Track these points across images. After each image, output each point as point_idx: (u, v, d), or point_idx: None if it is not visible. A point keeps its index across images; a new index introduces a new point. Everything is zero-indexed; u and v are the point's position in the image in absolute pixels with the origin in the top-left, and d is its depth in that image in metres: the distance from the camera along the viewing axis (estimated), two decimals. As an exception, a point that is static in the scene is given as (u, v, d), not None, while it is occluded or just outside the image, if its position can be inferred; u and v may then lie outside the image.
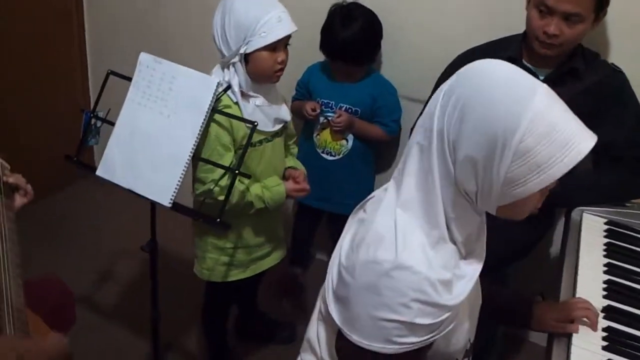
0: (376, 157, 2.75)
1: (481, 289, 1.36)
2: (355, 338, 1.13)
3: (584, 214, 1.96)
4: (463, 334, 1.26)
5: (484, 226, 1.22)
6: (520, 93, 1.00)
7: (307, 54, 2.55)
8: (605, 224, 1.92)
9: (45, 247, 3.07)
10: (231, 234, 2.11)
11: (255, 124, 1.79)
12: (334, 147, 2.62)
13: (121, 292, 2.90)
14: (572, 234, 1.89)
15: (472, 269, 1.17)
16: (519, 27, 2.06)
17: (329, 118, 2.55)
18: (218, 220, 1.79)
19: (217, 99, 1.86)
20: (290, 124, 2.22)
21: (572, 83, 1.98)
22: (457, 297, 1.12)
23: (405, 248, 1.08)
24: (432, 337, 1.12)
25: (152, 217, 2.05)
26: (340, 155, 2.62)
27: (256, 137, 1.99)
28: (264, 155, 2.07)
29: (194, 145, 1.80)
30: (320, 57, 2.61)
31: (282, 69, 1.97)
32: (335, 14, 2.48)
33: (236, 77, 1.94)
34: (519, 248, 2.18)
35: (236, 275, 2.20)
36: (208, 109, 1.78)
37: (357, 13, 2.45)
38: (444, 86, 1.09)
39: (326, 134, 2.61)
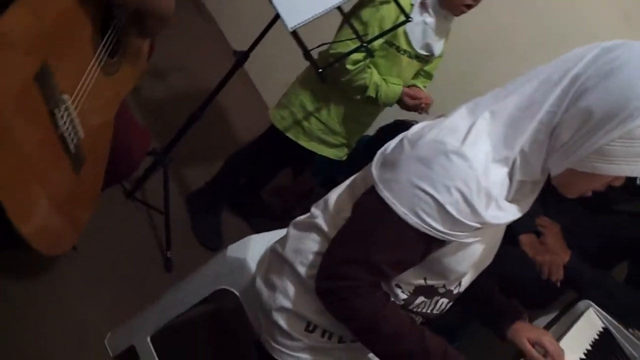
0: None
1: (485, 282, 1.40)
2: (386, 194, 1.16)
3: (590, 309, 1.96)
4: (467, 267, 1.29)
5: (537, 190, 1.23)
6: None
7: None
8: (603, 329, 1.90)
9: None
10: (324, 106, 2.24)
11: (410, 19, 1.87)
12: None
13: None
14: (568, 317, 1.91)
15: (509, 213, 1.17)
16: None
17: None
18: (320, 70, 1.91)
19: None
20: (436, 62, 2.30)
21: None
22: (490, 218, 1.13)
23: (473, 145, 1.12)
24: (449, 236, 1.14)
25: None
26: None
27: (402, 43, 2.09)
28: (398, 65, 2.16)
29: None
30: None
31: (469, 6, 2.05)
32: None
33: None
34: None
35: (299, 138, 2.32)
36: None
37: None
38: (606, 43, 1.08)
39: None
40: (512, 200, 1.18)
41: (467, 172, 1.10)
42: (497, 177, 1.14)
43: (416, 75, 2.34)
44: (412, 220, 1.13)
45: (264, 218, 2.88)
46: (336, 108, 2.25)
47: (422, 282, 1.30)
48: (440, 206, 1.11)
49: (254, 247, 1.67)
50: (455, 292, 1.37)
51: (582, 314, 1.93)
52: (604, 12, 2.53)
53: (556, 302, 2.36)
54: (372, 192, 1.20)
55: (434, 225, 1.13)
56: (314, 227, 1.37)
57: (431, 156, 1.12)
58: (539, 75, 1.13)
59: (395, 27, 1.91)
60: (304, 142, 2.33)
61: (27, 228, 1.05)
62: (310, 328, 1.36)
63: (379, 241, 1.18)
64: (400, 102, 2.25)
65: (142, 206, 2.52)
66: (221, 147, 3.00)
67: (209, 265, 1.76)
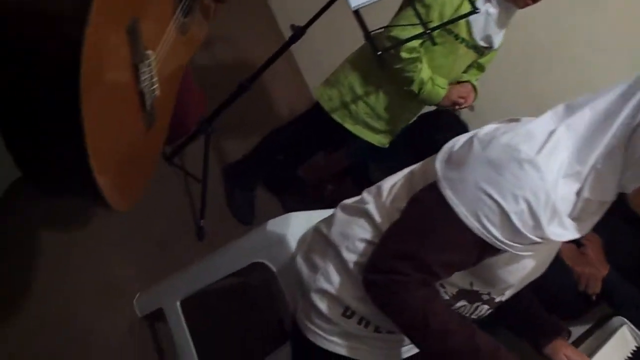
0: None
1: (528, 293, 1.38)
2: (448, 193, 1.13)
3: (624, 327, 1.91)
4: (516, 279, 1.26)
5: (601, 211, 1.19)
6: None
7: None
8: (636, 348, 1.86)
9: None
10: (372, 90, 2.20)
11: (478, 10, 1.82)
12: None
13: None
14: (602, 332, 1.88)
15: (569, 232, 1.13)
16: None
17: None
18: (379, 53, 1.87)
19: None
20: (492, 55, 2.25)
21: None
22: (550, 233, 1.10)
23: (548, 156, 1.09)
24: (505, 245, 1.11)
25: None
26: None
27: (462, 32, 2.04)
28: (454, 54, 2.11)
29: None
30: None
31: (535, 1, 1.99)
32: None
33: None
34: None
35: (345, 121, 2.28)
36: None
37: None
38: None
39: None
40: (575, 218, 1.15)
41: (537, 184, 1.07)
42: (566, 193, 1.11)
43: (468, 67, 2.28)
44: (472, 223, 1.10)
45: (295, 196, 2.86)
46: (385, 93, 2.21)
47: (467, 286, 1.28)
48: (504, 214, 1.08)
49: (295, 223, 1.65)
50: (497, 300, 1.34)
51: (615, 330, 1.88)
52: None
53: (589, 314, 2.33)
54: (433, 188, 1.17)
55: (494, 232, 1.10)
56: (364, 214, 1.34)
57: (503, 161, 1.09)
58: (616, 89, 1.10)
59: (461, 17, 1.86)
60: (350, 125, 2.29)
61: (104, 179, 1.04)
62: (348, 314, 1.33)
63: (435, 240, 1.15)
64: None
65: (179, 172, 2.51)
66: (261, 121, 2.98)
67: (248, 237, 1.75)
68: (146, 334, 2.03)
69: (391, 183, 1.35)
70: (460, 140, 1.22)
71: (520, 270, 1.23)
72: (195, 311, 1.92)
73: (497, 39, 2.14)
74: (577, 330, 2.32)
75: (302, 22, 2.14)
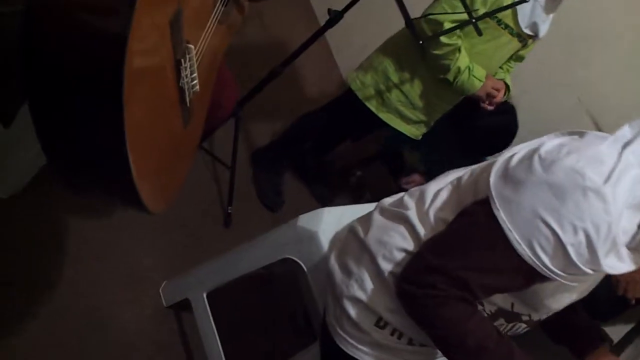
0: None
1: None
2: (502, 215, 1.05)
3: None
4: (562, 305, 1.22)
5: None
6: None
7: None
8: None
9: None
10: (407, 77, 2.11)
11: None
12: None
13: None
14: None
15: (626, 264, 1.07)
16: None
17: None
18: (421, 42, 1.78)
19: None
20: (530, 46, 2.14)
21: None
22: (606, 267, 1.04)
23: (615, 185, 1.01)
24: (556, 275, 1.05)
25: None
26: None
27: (506, 17, 1.93)
28: (496, 41, 2.01)
29: None
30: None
31: None
32: None
33: None
34: None
35: (377, 109, 2.20)
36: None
37: None
38: None
39: None
40: (633, 248, 1.08)
41: (601, 216, 1.00)
42: (627, 225, 1.04)
43: (509, 59, 2.18)
44: (524, 251, 1.04)
45: (324, 183, 2.80)
46: (420, 80, 2.12)
47: (508, 307, 1.22)
48: (560, 244, 1.02)
49: (327, 220, 1.59)
50: (536, 320, 1.28)
51: None
52: None
53: (626, 315, 2.26)
54: (484, 204, 1.10)
55: (546, 262, 1.04)
56: (404, 220, 1.27)
57: (566, 187, 1.01)
58: None
59: (510, 6, 1.76)
60: (383, 114, 2.22)
61: (143, 183, 0.98)
62: (381, 324, 1.27)
63: (480, 263, 1.09)
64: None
65: (207, 157, 2.46)
66: (291, 105, 2.91)
67: (278, 232, 1.69)
68: (171, 324, 2.00)
69: (436, 189, 1.28)
70: (519, 152, 1.13)
71: (566, 297, 1.19)
72: (221, 301, 1.88)
73: (544, 27, 2.03)
74: (616, 333, 2.26)
75: (337, 6, 2.05)
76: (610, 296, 2.04)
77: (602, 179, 1.01)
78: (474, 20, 1.70)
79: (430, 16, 1.90)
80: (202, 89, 1.19)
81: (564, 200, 1.01)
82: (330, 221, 1.58)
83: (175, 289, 1.96)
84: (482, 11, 1.89)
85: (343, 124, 2.49)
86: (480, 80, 2.03)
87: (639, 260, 1.09)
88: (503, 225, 1.05)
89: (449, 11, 1.88)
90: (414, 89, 2.13)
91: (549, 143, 1.11)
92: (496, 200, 1.07)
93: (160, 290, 1.99)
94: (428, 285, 1.11)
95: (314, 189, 2.78)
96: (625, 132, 1.09)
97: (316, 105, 2.56)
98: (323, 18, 2.06)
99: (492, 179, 1.10)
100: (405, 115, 2.20)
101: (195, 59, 1.11)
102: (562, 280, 1.06)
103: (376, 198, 1.47)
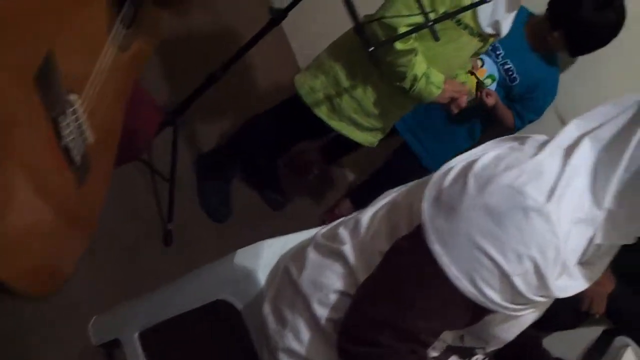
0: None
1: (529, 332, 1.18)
2: (437, 248, 0.92)
3: (629, 349, 1.77)
4: (515, 334, 1.11)
5: (614, 251, 1.02)
6: None
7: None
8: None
9: None
10: (360, 83, 1.92)
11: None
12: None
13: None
14: (606, 358, 1.79)
15: (579, 282, 0.97)
16: None
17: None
18: (371, 49, 1.58)
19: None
20: (489, 43, 1.97)
21: None
22: (557, 290, 0.93)
23: (560, 201, 0.88)
24: (505, 309, 0.94)
25: None
26: (466, 92, 2.18)
27: (465, 17, 1.75)
28: (456, 42, 1.83)
29: None
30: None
31: None
32: None
33: None
34: None
35: (328, 116, 2.00)
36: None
37: (619, 5, 2.08)
38: None
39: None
40: (585, 262, 0.96)
41: (547, 239, 0.88)
42: (577, 242, 0.92)
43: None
44: (466, 287, 0.91)
45: (276, 190, 2.61)
46: (374, 87, 1.93)
47: (458, 342, 1.11)
48: (505, 276, 0.89)
49: (267, 255, 1.41)
50: (492, 350, 1.17)
51: (619, 353, 1.75)
52: None
53: (586, 330, 2.19)
54: (417, 237, 0.95)
55: (492, 297, 0.91)
56: (339, 256, 1.11)
57: (505, 210, 0.88)
58: (619, 116, 0.92)
59: (470, 7, 1.58)
60: (334, 122, 2.02)
61: (9, 272, 0.77)
62: None
63: (424, 308, 0.96)
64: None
65: (146, 167, 2.25)
66: (243, 102, 2.69)
67: (212, 268, 1.51)
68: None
69: (371, 213, 1.13)
70: (454, 168, 0.99)
71: (519, 326, 1.08)
72: (157, 339, 1.69)
73: (506, 24, 1.85)
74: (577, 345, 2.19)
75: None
76: (574, 311, 2.00)
77: (544, 196, 0.89)
78: (430, 24, 1.50)
79: (385, 20, 1.70)
80: (102, 135, 0.99)
81: (504, 225, 0.88)
82: (271, 256, 1.41)
83: (105, 327, 1.76)
84: (442, 11, 1.71)
85: (294, 129, 2.29)
86: (438, 87, 1.85)
87: (593, 275, 0.99)
88: (439, 261, 0.92)
89: (405, 13, 1.68)
90: (368, 96, 1.94)
91: (485, 156, 0.98)
92: (430, 231, 0.94)
93: (90, 326, 1.80)
94: (371, 343, 0.98)
95: (266, 195, 2.60)
96: (571, 132, 0.97)
97: (270, 100, 2.35)
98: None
99: (424, 205, 0.97)
100: (359, 122, 2.01)
101: (82, 111, 0.89)
102: (512, 313, 0.96)
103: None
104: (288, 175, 2.78)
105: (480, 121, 2.41)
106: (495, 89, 2.26)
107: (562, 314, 1.99)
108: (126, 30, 1.02)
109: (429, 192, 0.98)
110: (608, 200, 0.89)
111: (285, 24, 3.41)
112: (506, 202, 0.88)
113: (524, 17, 2.26)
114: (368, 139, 2.08)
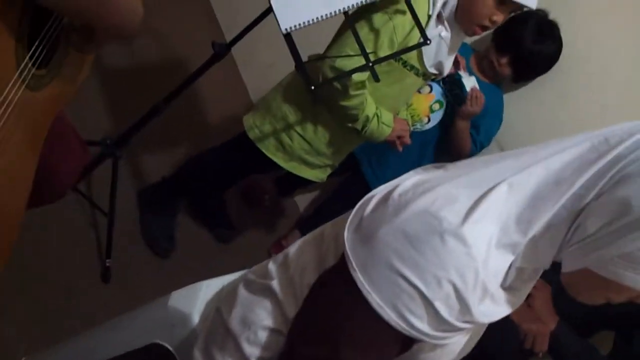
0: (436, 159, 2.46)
1: None
2: (359, 277, 0.90)
3: None
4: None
5: (537, 275, 1.02)
6: None
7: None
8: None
9: None
10: (310, 123, 1.91)
11: (429, 42, 1.54)
12: (414, 116, 2.24)
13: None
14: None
15: (503, 307, 0.96)
16: None
17: (459, 92, 2.17)
18: (313, 87, 1.57)
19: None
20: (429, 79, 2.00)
21: None
22: (480, 315, 0.91)
23: (476, 223, 0.87)
24: (431, 338, 0.92)
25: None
26: (412, 129, 2.19)
27: (411, 59, 1.77)
28: (401, 82, 1.84)
29: (359, 4, 1.52)
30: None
31: (486, 28, 1.75)
32: (533, 17, 2.15)
33: None
34: None
35: (277, 157, 1.98)
36: (406, -14, 1.53)
37: (557, 35, 2.19)
38: None
39: (416, 99, 2.22)
40: (508, 287, 0.96)
41: (464, 262, 0.86)
42: (499, 266, 0.91)
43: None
44: (391, 317, 0.89)
45: (224, 224, 2.56)
46: (324, 126, 1.92)
47: None
48: (427, 302, 0.88)
49: (204, 297, 1.36)
50: None
51: None
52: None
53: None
54: (341, 268, 0.93)
55: (418, 326, 0.89)
56: (268, 292, 1.08)
57: (421, 234, 0.87)
58: (573, 148, 0.90)
59: (410, 49, 1.59)
60: (283, 162, 2.00)
61: None
62: None
63: (349, 340, 0.93)
64: None
65: (85, 200, 2.17)
66: (193, 137, 2.64)
67: (146, 310, 1.45)
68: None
69: (298, 246, 1.10)
70: (376, 196, 0.98)
71: (447, 354, 1.04)
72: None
73: (448, 64, 1.88)
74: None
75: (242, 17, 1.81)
76: (517, 349, 1.99)
77: (459, 219, 0.87)
78: (370, 65, 1.50)
79: (336, 64, 1.69)
80: (7, 175, 0.93)
81: (422, 250, 0.87)
82: (208, 297, 1.36)
83: (33, 371, 1.67)
84: (385, 54, 1.71)
85: (242, 166, 2.26)
86: (389, 126, 1.86)
87: (517, 300, 0.98)
88: (362, 290, 0.89)
89: (351, 52, 1.68)
90: (319, 137, 1.93)
91: (405, 183, 0.98)
92: (352, 260, 0.91)
93: (16, 372, 1.71)
94: None
95: (213, 228, 2.54)
96: (498, 160, 0.96)
97: (220, 130, 2.32)
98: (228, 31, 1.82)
99: (346, 234, 0.95)
100: (310, 162, 2.00)
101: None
102: (438, 341, 0.94)
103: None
104: (239, 205, 2.74)
105: (432, 147, 2.43)
106: (442, 116, 2.28)
107: (506, 351, 2.00)
108: (36, 70, 0.98)
109: (351, 221, 0.97)
110: (535, 230, 0.89)
111: (237, 54, 3.44)
112: (422, 227, 0.88)
113: (468, 51, 2.33)
114: (318, 175, 2.07)
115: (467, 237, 0.86)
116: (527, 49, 2.15)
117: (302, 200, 3.04)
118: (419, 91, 2.23)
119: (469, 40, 2.35)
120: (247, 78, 3.40)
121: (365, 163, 2.43)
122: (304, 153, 1.96)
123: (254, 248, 2.68)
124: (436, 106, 2.26)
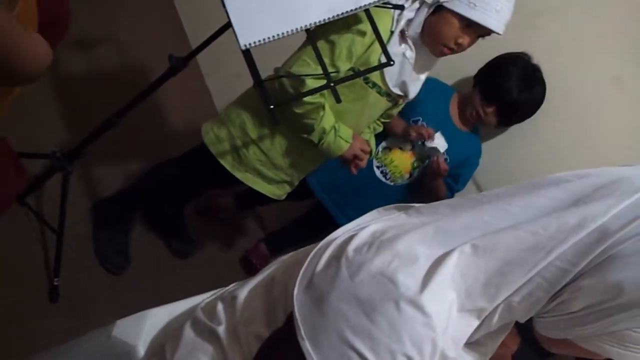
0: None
1: None
2: (307, 346, 0.83)
3: None
4: None
5: (505, 333, 0.96)
6: None
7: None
8: None
9: None
10: (267, 134, 1.85)
11: (392, 62, 1.49)
12: (396, 173, 2.23)
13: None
14: None
15: None
16: None
17: (432, 152, 2.15)
18: (272, 107, 1.51)
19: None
20: (400, 106, 1.95)
21: None
22: None
23: (438, 290, 0.81)
24: None
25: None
26: (392, 184, 2.24)
27: (373, 75, 1.73)
28: (363, 100, 1.80)
29: (320, 21, 1.47)
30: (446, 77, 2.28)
31: (452, 51, 1.71)
32: (516, 65, 2.12)
33: (414, 14, 1.68)
34: None
35: (232, 167, 1.92)
36: (368, 4, 1.48)
37: (541, 78, 2.15)
38: None
39: (398, 156, 2.21)
40: (475, 342, 0.91)
41: (421, 332, 0.80)
42: (460, 333, 0.85)
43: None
44: None
45: (182, 238, 2.48)
46: (282, 138, 1.86)
47: None
48: None
49: (151, 327, 1.29)
50: None
51: None
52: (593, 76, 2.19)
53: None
54: (290, 330, 0.86)
55: None
56: (214, 337, 1.01)
57: (376, 300, 0.81)
58: (547, 204, 0.83)
59: (372, 70, 1.55)
60: (238, 173, 1.93)
61: None
62: None
63: None
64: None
65: (33, 215, 2.07)
66: (152, 150, 2.55)
67: (90, 340, 1.37)
68: None
69: (248, 289, 1.03)
70: (330, 248, 0.91)
71: None
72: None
73: (414, 87, 1.83)
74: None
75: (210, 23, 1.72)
76: None
77: (417, 283, 0.81)
78: (332, 85, 1.45)
79: (292, 69, 1.65)
80: None
81: (376, 320, 0.81)
82: (155, 328, 1.29)
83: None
84: (346, 67, 1.67)
85: (200, 178, 2.18)
86: (347, 142, 1.81)
87: (487, 351, 0.95)
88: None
89: (312, 65, 1.63)
90: (275, 148, 1.87)
91: (362, 233, 0.90)
92: (300, 324, 0.85)
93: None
94: None
95: (171, 244, 2.46)
96: (458, 218, 0.90)
97: (183, 142, 2.23)
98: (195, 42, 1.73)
99: (296, 291, 0.88)
100: (266, 175, 1.93)
101: None
102: None
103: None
104: (198, 219, 2.66)
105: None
106: (418, 166, 2.24)
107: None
108: None
109: (302, 275, 0.90)
110: (512, 298, 0.83)
111: (203, 64, 3.36)
112: (377, 292, 0.81)
113: (448, 95, 2.27)
114: (275, 192, 2.00)
115: (426, 305, 0.80)
116: (514, 99, 2.10)
117: (267, 212, 2.97)
118: (400, 148, 2.19)
119: (450, 80, 2.32)
120: (213, 88, 3.32)
121: (326, 198, 2.36)
122: (259, 164, 1.90)
123: (214, 264, 2.60)
124: (418, 163, 2.23)
